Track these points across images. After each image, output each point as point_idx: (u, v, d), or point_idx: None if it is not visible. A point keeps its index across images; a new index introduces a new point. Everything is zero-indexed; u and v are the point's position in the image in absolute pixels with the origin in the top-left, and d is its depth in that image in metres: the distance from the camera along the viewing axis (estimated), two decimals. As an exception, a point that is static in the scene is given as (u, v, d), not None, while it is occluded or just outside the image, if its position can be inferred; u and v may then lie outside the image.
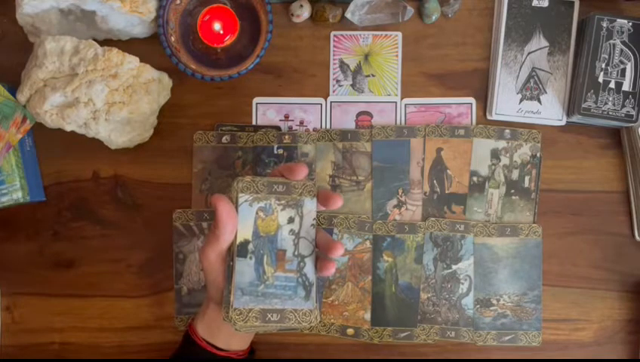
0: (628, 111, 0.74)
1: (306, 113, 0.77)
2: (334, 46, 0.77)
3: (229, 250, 0.58)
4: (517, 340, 0.75)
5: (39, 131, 0.74)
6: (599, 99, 0.74)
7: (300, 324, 0.57)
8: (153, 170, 0.76)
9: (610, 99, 0.74)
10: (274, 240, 0.58)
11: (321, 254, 0.60)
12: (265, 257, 0.58)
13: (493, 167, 0.76)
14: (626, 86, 0.74)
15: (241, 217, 0.57)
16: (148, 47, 0.75)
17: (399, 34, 0.77)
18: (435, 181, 0.76)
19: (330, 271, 0.59)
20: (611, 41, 0.74)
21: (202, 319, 0.63)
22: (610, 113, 0.74)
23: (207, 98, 0.77)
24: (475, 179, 0.76)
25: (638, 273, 0.77)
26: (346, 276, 0.76)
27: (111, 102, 0.70)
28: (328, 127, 0.77)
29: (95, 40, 0.72)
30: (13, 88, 0.71)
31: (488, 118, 0.77)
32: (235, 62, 0.74)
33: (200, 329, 0.63)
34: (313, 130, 0.77)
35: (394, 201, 0.76)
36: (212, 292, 0.60)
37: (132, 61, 0.70)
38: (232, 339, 0.64)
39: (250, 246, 0.57)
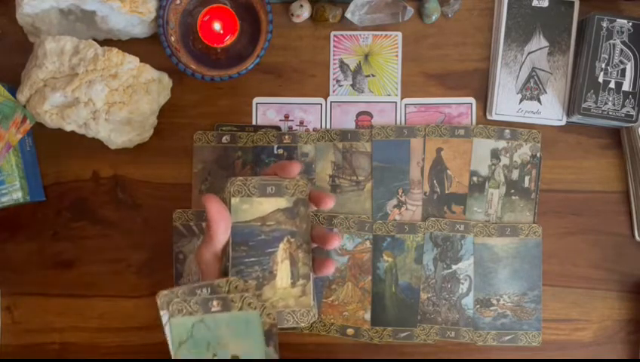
0: (628, 112, 0.74)
1: (306, 113, 0.77)
2: (334, 46, 0.77)
3: (225, 251, 0.58)
4: (517, 340, 0.75)
5: (39, 131, 0.74)
6: (599, 99, 0.74)
7: (299, 324, 0.57)
8: (153, 170, 0.76)
9: (610, 99, 0.74)
10: None
11: (319, 255, 0.60)
12: None
13: (493, 167, 0.76)
14: (626, 86, 0.74)
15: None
16: (148, 47, 0.75)
17: (399, 34, 0.77)
18: (435, 181, 0.76)
19: (329, 269, 0.58)
20: (611, 41, 0.74)
21: None
22: (610, 113, 0.74)
23: (207, 98, 0.77)
24: (475, 179, 0.76)
25: (638, 273, 0.77)
26: (346, 276, 0.76)
27: (111, 102, 0.70)
28: (328, 127, 0.77)
29: (95, 40, 0.72)
30: (13, 88, 0.71)
31: (488, 118, 0.77)
32: (235, 62, 0.74)
33: None
34: (313, 130, 0.77)
35: (394, 201, 0.76)
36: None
37: (132, 61, 0.70)
38: None
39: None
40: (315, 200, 0.59)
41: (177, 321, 0.49)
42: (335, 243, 0.57)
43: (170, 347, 0.49)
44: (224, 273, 0.57)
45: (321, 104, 0.77)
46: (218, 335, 0.50)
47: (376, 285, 0.76)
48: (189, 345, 0.49)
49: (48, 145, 0.76)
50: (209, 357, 0.49)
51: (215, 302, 0.50)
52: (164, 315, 0.50)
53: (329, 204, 0.58)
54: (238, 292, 0.51)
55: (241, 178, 0.57)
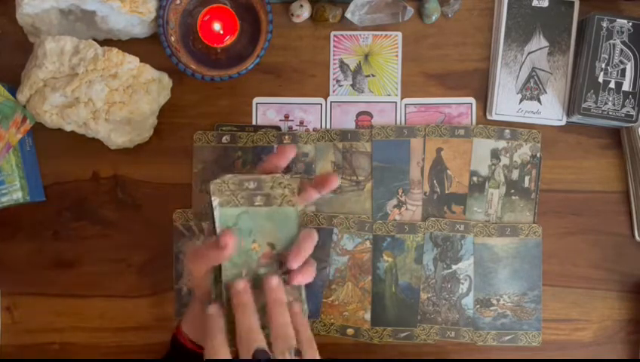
0: (628, 112, 0.74)
1: (306, 113, 0.77)
2: (334, 46, 0.77)
3: None
4: (517, 340, 0.75)
5: (39, 131, 0.74)
6: (599, 99, 0.74)
7: None
8: (153, 170, 0.76)
9: (610, 99, 0.74)
10: None
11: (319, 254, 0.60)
12: None
13: (493, 167, 0.76)
14: (626, 86, 0.74)
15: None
16: (148, 47, 0.75)
17: (399, 34, 0.77)
18: (435, 181, 0.76)
19: (334, 182, 0.59)
20: (611, 41, 0.74)
21: (187, 319, 0.63)
22: (610, 113, 0.74)
23: (207, 98, 0.77)
24: (475, 179, 0.76)
25: (638, 273, 0.77)
26: (346, 276, 0.76)
27: (111, 102, 0.70)
28: (328, 127, 0.77)
29: (95, 40, 0.72)
30: (13, 88, 0.71)
31: (488, 118, 0.77)
32: (235, 62, 0.74)
33: (185, 329, 0.63)
34: (313, 130, 0.77)
35: (394, 201, 0.76)
36: (198, 292, 0.60)
37: (132, 61, 0.71)
38: None
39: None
40: (320, 184, 0.59)
41: (225, 210, 0.57)
42: (334, 183, 0.59)
43: (218, 228, 0.57)
44: (216, 270, 0.58)
45: (321, 104, 0.77)
46: (259, 224, 0.57)
47: (376, 285, 0.76)
48: (233, 231, 0.57)
49: (48, 145, 0.76)
50: (250, 241, 0.57)
51: (259, 198, 0.57)
52: (215, 200, 0.56)
53: (333, 182, 0.59)
54: (281, 189, 0.57)
55: (218, 179, 0.58)
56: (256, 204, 0.57)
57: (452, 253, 0.76)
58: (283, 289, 0.56)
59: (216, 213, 0.57)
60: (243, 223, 0.57)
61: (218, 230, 0.57)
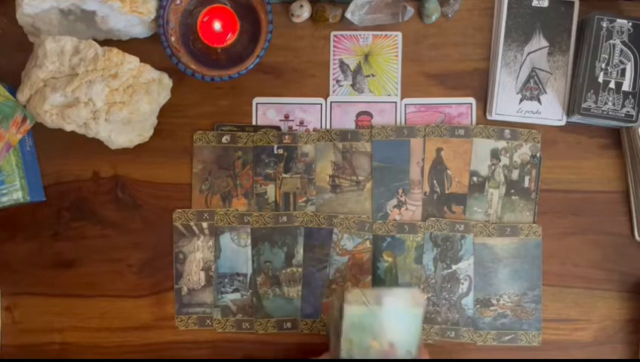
0: (628, 112, 0.74)
1: (306, 113, 0.77)
2: (334, 46, 0.77)
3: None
4: (517, 340, 0.75)
5: (39, 131, 0.74)
6: (599, 99, 0.74)
7: None
8: (153, 170, 0.77)
9: (610, 99, 0.74)
10: None
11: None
12: None
13: (493, 167, 0.76)
14: (626, 86, 0.74)
15: None
16: (148, 47, 0.75)
17: (399, 34, 0.77)
18: (435, 181, 0.76)
19: None
20: (611, 41, 0.74)
21: None
22: (610, 113, 0.74)
23: (207, 98, 0.77)
24: (475, 179, 0.76)
25: (638, 273, 0.77)
26: (346, 276, 0.76)
27: (111, 102, 0.70)
28: (328, 127, 0.77)
29: (95, 40, 0.72)
30: (13, 88, 0.71)
31: (488, 118, 0.77)
32: (235, 62, 0.74)
33: None
34: (313, 130, 0.77)
35: (394, 201, 0.76)
36: None
37: (132, 61, 0.70)
38: None
39: None
40: None
41: (352, 308, 0.59)
42: None
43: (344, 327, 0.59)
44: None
45: (321, 104, 0.77)
46: (382, 323, 0.59)
47: (376, 285, 0.76)
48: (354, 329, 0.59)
49: (48, 145, 0.76)
50: (369, 339, 0.59)
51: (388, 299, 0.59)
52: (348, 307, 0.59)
53: None
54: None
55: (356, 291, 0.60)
56: (385, 304, 0.59)
57: (452, 253, 0.76)
58: None
59: (346, 313, 0.59)
60: (366, 321, 0.59)
61: (344, 328, 0.58)
